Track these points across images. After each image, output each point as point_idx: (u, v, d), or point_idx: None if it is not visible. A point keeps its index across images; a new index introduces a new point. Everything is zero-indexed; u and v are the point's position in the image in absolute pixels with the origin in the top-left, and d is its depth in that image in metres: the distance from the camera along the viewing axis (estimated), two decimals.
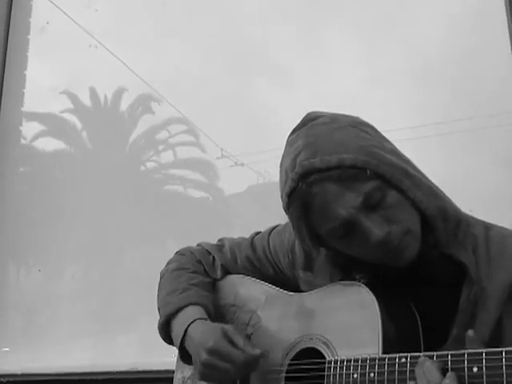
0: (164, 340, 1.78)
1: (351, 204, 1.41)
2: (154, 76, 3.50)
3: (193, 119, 3.43)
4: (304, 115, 1.56)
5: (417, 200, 1.45)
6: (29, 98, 3.81)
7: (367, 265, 1.53)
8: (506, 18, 2.69)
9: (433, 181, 1.53)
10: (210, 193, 3.48)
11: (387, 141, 1.52)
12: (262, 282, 1.80)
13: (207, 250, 1.90)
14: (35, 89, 3.80)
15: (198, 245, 1.95)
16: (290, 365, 1.60)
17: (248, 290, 1.80)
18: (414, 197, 1.45)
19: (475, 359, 1.21)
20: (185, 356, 1.68)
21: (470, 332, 1.27)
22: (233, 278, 1.85)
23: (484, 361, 1.19)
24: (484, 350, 1.21)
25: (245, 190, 3.31)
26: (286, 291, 1.73)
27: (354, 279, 1.56)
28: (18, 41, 3.85)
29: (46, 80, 3.74)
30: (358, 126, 1.50)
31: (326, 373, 1.47)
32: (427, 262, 1.49)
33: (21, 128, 3.79)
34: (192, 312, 1.70)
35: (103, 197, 3.47)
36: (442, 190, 1.54)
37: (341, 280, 1.59)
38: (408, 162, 1.51)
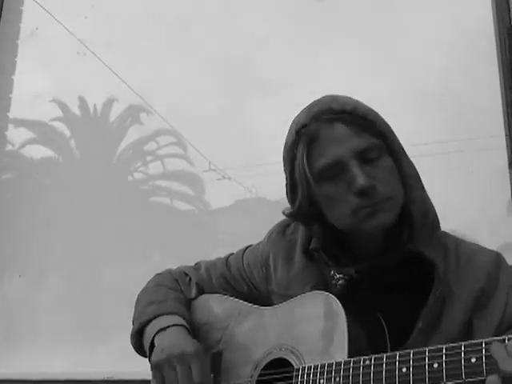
0: (135, 348, 1.79)
1: (352, 147, 1.48)
2: (143, 87, 3.50)
3: (182, 131, 3.43)
4: None
5: (408, 176, 1.51)
6: (16, 104, 3.79)
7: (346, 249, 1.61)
8: (495, 46, 2.72)
9: None
10: (197, 206, 3.48)
11: None
12: (234, 298, 1.81)
13: (184, 272, 1.93)
14: (22, 94, 3.79)
15: (177, 268, 1.97)
16: (259, 375, 1.61)
17: (221, 307, 1.82)
18: (406, 172, 1.50)
19: (435, 356, 1.25)
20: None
21: None
22: (206, 297, 1.87)
23: (444, 356, 1.24)
24: (444, 346, 1.25)
25: (231, 205, 3.32)
26: (258, 306, 1.74)
27: (331, 282, 1.59)
28: (7, 45, 3.83)
29: (33, 86, 3.73)
30: None
31: (293, 380, 1.49)
32: (398, 259, 1.53)
33: (6, 133, 3.77)
34: (170, 318, 1.72)
35: (89, 206, 3.46)
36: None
37: (314, 287, 1.62)
38: None
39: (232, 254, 1.92)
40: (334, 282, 1.60)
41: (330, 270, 1.62)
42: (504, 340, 1.19)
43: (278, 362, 1.58)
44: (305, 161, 1.52)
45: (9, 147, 3.80)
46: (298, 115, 1.58)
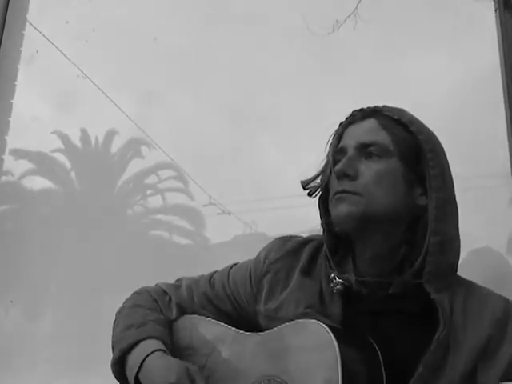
0: (117, 378, 1.72)
1: (359, 139, 1.53)
2: (145, 120, 3.51)
3: (182, 165, 3.43)
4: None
5: (435, 204, 1.48)
6: (15, 128, 3.78)
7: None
8: (501, 90, 2.75)
9: None
10: (196, 240, 3.47)
11: None
12: (219, 322, 1.74)
13: (163, 290, 1.86)
14: (21, 118, 3.77)
15: (155, 285, 1.91)
16: None
17: (204, 331, 1.73)
18: (435, 200, 1.48)
19: None
20: None
21: None
22: (188, 319, 1.78)
23: None
24: None
25: (231, 240, 3.30)
26: (243, 332, 1.68)
27: (328, 296, 1.56)
28: (7, 69, 3.83)
29: (33, 110, 3.72)
30: None
31: None
32: (404, 289, 1.50)
33: (4, 158, 3.76)
34: (150, 344, 1.65)
35: (88, 239, 3.44)
36: None
37: (308, 306, 1.58)
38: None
39: (216, 271, 1.88)
40: (332, 285, 1.57)
41: (331, 274, 1.59)
42: None
43: None
44: (332, 140, 1.60)
45: (8, 178, 3.79)
46: None
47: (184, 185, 3.44)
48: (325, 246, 1.64)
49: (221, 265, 3.27)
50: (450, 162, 1.61)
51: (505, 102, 2.70)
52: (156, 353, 1.61)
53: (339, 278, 1.56)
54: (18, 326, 3.53)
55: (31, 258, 3.54)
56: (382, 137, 1.52)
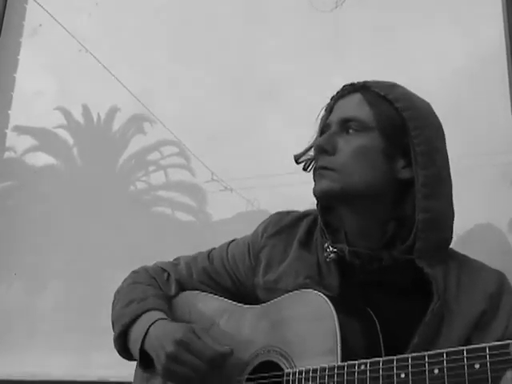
0: (120, 353, 1.73)
1: (341, 114, 1.54)
2: (147, 96, 3.49)
3: (185, 141, 3.42)
4: None
5: (422, 181, 1.48)
6: (17, 102, 3.76)
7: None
8: (506, 69, 2.74)
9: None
10: (198, 217, 3.46)
11: None
12: (218, 296, 1.76)
13: (162, 268, 1.88)
14: (24, 92, 3.76)
15: (153, 264, 1.93)
16: (247, 379, 1.55)
17: (203, 306, 1.75)
18: (420, 176, 1.48)
19: (436, 361, 1.19)
20: (144, 361, 1.62)
21: None
22: (187, 295, 1.80)
23: (445, 362, 1.18)
24: (445, 351, 1.19)
25: (233, 216, 3.30)
26: (242, 305, 1.69)
27: (326, 255, 1.57)
28: (10, 43, 3.81)
29: (35, 84, 3.71)
30: None
31: None
32: (395, 267, 1.51)
33: (7, 133, 3.74)
34: (152, 314, 1.67)
35: (90, 215, 3.44)
36: None
37: (307, 277, 1.59)
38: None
39: (214, 248, 1.89)
40: (325, 254, 1.58)
41: (326, 243, 1.60)
42: None
43: (266, 365, 1.52)
44: (322, 113, 1.63)
45: (11, 154, 3.78)
46: None
47: (186, 161, 3.43)
48: (319, 217, 1.65)
49: (223, 241, 3.29)
50: (454, 140, 1.59)
51: (510, 78, 2.70)
52: (159, 321, 1.62)
53: (333, 247, 1.57)
54: (20, 300, 3.54)
55: (33, 234, 3.55)
56: (364, 112, 1.52)
